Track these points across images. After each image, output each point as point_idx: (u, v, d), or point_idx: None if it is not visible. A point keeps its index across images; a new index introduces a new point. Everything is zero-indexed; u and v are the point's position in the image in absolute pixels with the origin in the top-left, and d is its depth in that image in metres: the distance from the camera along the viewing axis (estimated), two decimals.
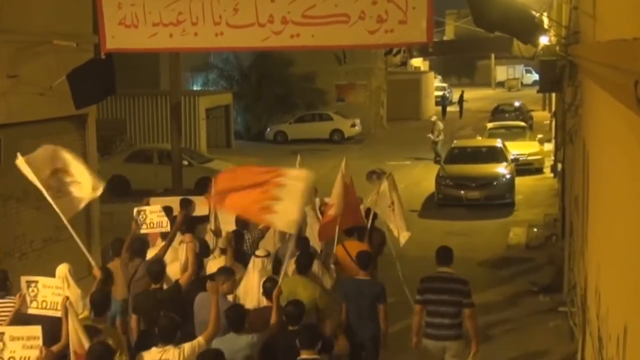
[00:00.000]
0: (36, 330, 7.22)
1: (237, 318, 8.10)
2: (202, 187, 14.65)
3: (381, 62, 48.37)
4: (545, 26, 18.40)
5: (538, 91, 23.92)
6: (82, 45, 14.58)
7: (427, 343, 9.79)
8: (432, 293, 9.68)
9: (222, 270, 9.16)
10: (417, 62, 67.16)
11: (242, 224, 11.05)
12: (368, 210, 12.19)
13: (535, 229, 20.38)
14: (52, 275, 8.72)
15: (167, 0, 11.81)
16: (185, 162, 23.51)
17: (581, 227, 10.96)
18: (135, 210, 11.09)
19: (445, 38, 70.48)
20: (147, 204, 11.91)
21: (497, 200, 24.15)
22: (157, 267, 9.44)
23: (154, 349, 7.51)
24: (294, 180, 8.48)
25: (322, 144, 39.62)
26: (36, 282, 8.33)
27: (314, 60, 41.25)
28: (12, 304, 8.56)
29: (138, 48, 12.53)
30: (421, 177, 28.89)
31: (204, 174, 23.45)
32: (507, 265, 17.85)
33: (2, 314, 8.59)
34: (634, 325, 4.94)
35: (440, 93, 66.64)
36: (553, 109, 32.55)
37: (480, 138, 32.62)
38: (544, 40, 19.26)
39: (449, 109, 59.00)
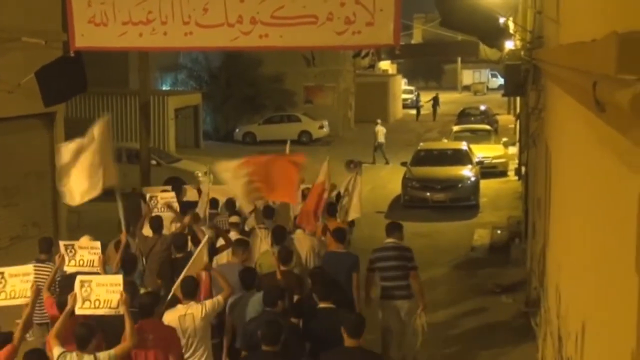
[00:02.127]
0: (118, 278, 8.35)
1: (248, 278, 9.56)
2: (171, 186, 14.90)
3: (349, 64, 48.50)
4: (511, 31, 18.65)
5: (503, 95, 24.19)
6: (51, 43, 14.54)
7: (384, 303, 11.17)
8: (382, 261, 11.15)
9: (240, 242, 10.77)
10: (385, 65, 67.38)
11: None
12: (338, 195, 14.09)
13: (499, 231, 20.58)
14: None
15: None
16: (154, 162, 23.42)
17: (543, 228, 11.16)
18: (147, 195, 12.73)
19: (413, 41, 70.80)
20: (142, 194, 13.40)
21: (462, 202, 24.39)
22: (182, 239, 11.03)
23: (179, 306, 8.76)
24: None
25: (290, 145, 39.48)
26: (73, 244, 9.80)
27: (282, 62, 41.28)
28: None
29: (107, 47, 12.53)
30: (387, 179, 29.07)
31: (172, 173, 23.48)
32: (471, 266, 18.01)
33: (44, 275, 9.70)
34: (591, 323, 5.08)
35: (407, 96, 67.05)
36: (518, 112, 32.92)
37: (446, 141, 32.88)
38: (509, 45, 19.50)
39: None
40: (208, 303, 8.86)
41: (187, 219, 11.85)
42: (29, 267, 8.85)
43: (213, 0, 11.58)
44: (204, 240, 10.14)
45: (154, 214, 12.24)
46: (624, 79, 2.84)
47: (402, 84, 69.24)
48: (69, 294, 8.29)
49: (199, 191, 13.84)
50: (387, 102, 55.62)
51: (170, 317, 8.66)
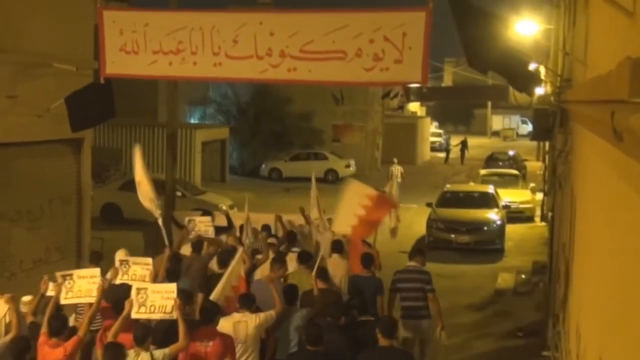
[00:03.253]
0: (172, 286, 9.13)
1: (291, 294, 10.49)
2: None
3: (378, 104, 48.64)
4: (542, 77, 18.57)
5: (531, 139, 24.11)
6: (82, 69, 14.72)
7: (404, 322, 11.87)
8: (402, 282, 12.04)
9: (277, 259, 11.66)
10: (414, 107, 67.58)
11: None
12: None
13: (523, 275, 20.43)
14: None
15: (168, 29, 11.97)
16: (179, 193, 23.53)
17: (566, 272, 11.04)
18: (186, 219, 13.77)
19: (442, 85, 70.96)
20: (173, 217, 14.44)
21: (486, 245, 24.23)
22: (227, 256, 11.72)
23: (235, 314, 9.63)
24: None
25: (316, 183, 39.49)
26: (127, 261, 10.52)
27: (311, 100, 41.48)
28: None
29: (137, 74, 12.65)
30: (412, 220, 28.90)
31: (197, 205, 23.50)
32: (494, 310, 17.87)
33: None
34: (607, 356, 5.02)
35: (435, 139, 67.03)
36: (547, 158, 32.75)
37: (472, 184, 32.75)
38: (539, 91, 19.42)
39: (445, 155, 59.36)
40: (262, 315, 9.70)
41: (231, 239, 13.38)
42: (97, 271, 9.88)
43: (243, 32, 11.64)
44: (238, 253, 11.09)
45: (192, 236, 13.41)
46: (638, 105, 2.83)
47: (431, 126, 69.28)
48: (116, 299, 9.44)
49: (228, 217, 15.05)
50: (415, 144, 55.67)
51: (225, 324, 9.45)
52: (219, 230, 14.19)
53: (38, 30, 14.28)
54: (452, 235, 24.39)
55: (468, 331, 15.91)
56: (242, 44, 11.66)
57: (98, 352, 8.82)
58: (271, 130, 42.58)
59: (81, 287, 9.57)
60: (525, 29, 20.80)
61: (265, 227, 14.64)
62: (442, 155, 60.09)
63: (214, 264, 12.73)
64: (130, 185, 28.04)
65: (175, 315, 8.79)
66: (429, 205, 26.51)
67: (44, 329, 8.72)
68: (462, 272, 21.47)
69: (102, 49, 12.40)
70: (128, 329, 8.70)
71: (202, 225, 13.81)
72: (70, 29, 15.16)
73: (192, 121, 43.91)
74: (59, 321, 8.85)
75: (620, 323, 4.44)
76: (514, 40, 16.65)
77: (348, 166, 42.72)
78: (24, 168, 14.31)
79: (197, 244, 13.02)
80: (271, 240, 13.69)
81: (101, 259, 11.81)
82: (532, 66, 16.71)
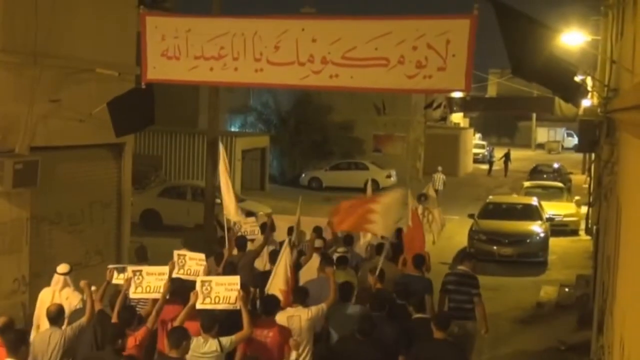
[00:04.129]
0: (236, 278, 9.68)
1: (347, 291, 10.86)
2: None
3: (420, 115, 48.30)
4: (589, 88, 18.30)
5: (577, 150, 23.75)
6: (124, 75, 14.82)
7: None
8: (450, 284, 12.73)
9: (328, 261, 12.20)
10: (458, 118, 67.06)
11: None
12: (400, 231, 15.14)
13: (566, 289, 20.10)
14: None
15: (210, 34, 11.99)
16: (218, 200, 23.55)
17: (611, 285, 10.84)
18: (231, 222, 13.95)
19: (486, 96, 70.47)
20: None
21: (529, 258, 23.96)
22: (276, 255, 12.02)
23: (289, 309, 10.12)
24: (387, 200, 12.05)
25: (357, 192, 39.24)
26: (184, 255, 10.95)
27: (353, 109, 41.33)
28: None
29: (178, 79, 12.66)
30: (454, 232, 28.58)
31: None
32: (536, 323, 17.66)
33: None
34: None
35: (479, 151, 66.47)
36: (592, 169, 32.33)
37: (516, 196, 32.40)
38: (585, 103, 19.15)
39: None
40: (314, 308, 10.09)
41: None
42: (165, 268, 10.30)
43: (285, 38, 11.61)
44: (282, 249, 11.40)
45: (237, 235, 13.77)
46: None
47: (474, 138, 68.65)
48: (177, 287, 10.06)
49: (270, 219, 15.29)
50: (458, 155, 55.20)
51: (280, 317, 9.90)
52: (262, 229, 14.62)
53: (81, 35, 14.39)
54: (494, 247, 24.12)
55: (509, 342, 15.72)
56: (284, 50, 11.63)
57: (161, 339, 9.48)
58: (311, 139, 42.56)
59: (150, 283, 10.10)
60: (572, 40, 20.53)
61: (317, 229, 14.76)
62: (485, 167, 59.57)
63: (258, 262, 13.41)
64: (169, 192, 28.58)
65: (238, 305, 9.35)
66: (470, 216, 26.24)
67: (114, 320, 9.34)
68: (503, 284, 21.18)
69: (144, 54, 12.47)
70: (192, 318, 9.27)
71: (248, 227, 14.27)
72: (113, 34, 15.27)
73: (233, 129, 44.06)
74: (128, 312, 9.44)
75: None
76: (561, 49, 16.41)
77: (389, 176, 42.47)
78: (65, 171, 14.40)
79: (241, 242, 13.43)
80: (319, 243, 13.91)
81: (146, 254, 12.15)
82: (578, 77, 16.47)
